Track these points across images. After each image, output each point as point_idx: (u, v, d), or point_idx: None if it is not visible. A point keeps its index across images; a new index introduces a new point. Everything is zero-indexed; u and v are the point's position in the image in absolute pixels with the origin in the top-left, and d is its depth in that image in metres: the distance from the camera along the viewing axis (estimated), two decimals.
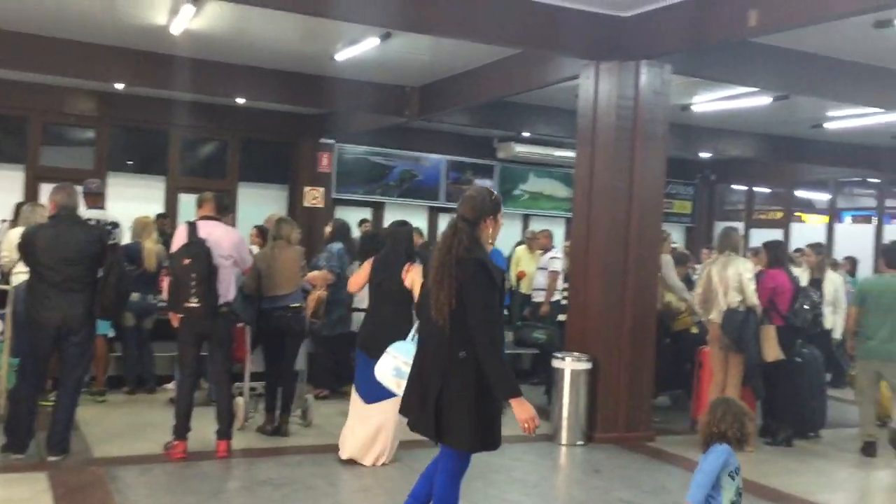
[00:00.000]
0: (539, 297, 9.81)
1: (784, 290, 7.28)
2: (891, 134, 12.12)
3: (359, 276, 6.11)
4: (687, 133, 12.55)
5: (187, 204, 11.36)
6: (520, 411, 3.74)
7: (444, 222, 13.90)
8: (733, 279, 6.96)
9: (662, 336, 7.94)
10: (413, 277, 5.69)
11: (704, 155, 15.22)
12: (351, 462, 5.93)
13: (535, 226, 14.32)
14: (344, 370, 8.38)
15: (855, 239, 14.31)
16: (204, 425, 6.14)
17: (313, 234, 12.15)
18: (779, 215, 16.48)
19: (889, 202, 15.28)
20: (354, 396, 6.05)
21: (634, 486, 5.85)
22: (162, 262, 7.66)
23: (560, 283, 9.38)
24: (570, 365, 6.98)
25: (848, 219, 18.42)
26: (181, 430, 5.89)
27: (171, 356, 7.70)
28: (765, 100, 9.85)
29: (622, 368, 7.10)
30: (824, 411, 7.79)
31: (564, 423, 6.93)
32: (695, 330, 8.16)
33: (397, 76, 10.18)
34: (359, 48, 8.61)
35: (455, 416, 3.76)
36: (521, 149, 14.40)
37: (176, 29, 8.13)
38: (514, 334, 9.52)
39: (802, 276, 8.50)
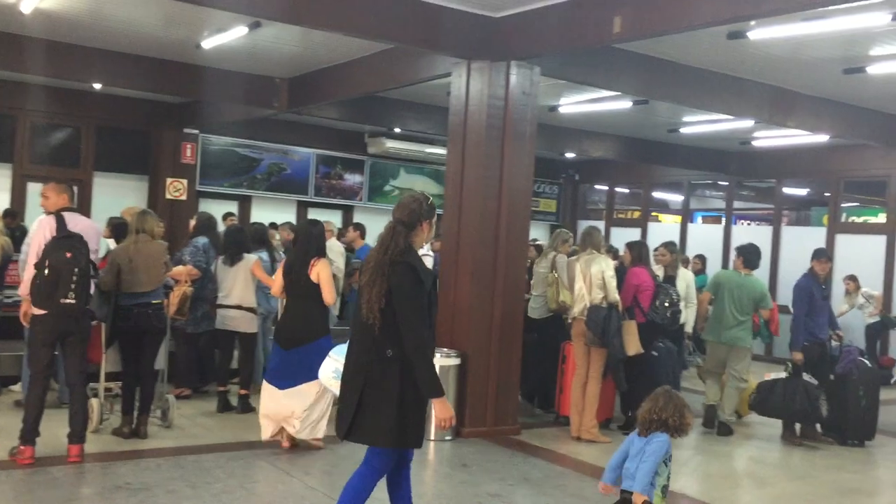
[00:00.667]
0: None
1: (646, 288, 7.62)
2: (739, 140, 12.88)
3: (277, 278, 6.40)
4: (553, 133, 12.90)
5: (36, 193, 10.69)
6: (440, 410, 3.92)
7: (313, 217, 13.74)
8: (596, 277, 7.20)
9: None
10: (318, 271, 6.10)
11: (569, 155, 15.70)
12: (271, 443, 6.32)
13: None
14: (208, 368, 8.13)
15: (705, 238, 15.13)
16: (53, 428, 5.79)
17: (176, 228, 11.71)
18: (637, 215, 17.21)
19: (737, 203, 16.25)
20: (267, 387, 6.27)
21: (501, 479, 5.95)
22: (9, 255, 7.17)
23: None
24: (439, 361, 7.00)
25: (700, 219, 19.50)
26: (29, 434, 5.53)
27: (16, 356, 7.23)
28: (626, 104, 10.25)
29: (491, 363, 7.21)
30: None
31: (433, 419, 6.95)
32: None
33: (266, 67, 9.94)
34: (226, 36, 8.35)
35: (377, 413, 3.87)
36: (392, 144, 14.38)
37: (26, 7, 7.62)
38: None
39: (658, 274, 8.89)
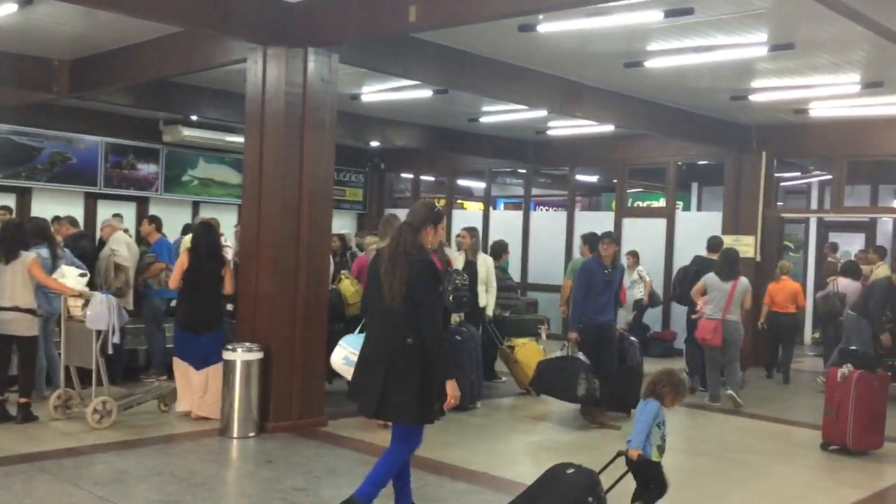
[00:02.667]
0: None
1: None
2: (535, 129, 13.45)
3: (177, 273, 7.44)
4: (357, 122, 12.86)
5: None
6: (452, 389, 4.51)
7: (104, 210, 12.90)
8: None
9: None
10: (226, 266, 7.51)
11: (374, 144, 15.73)
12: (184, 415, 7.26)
13: (206, 213, 13.79)
14: None
15: (507, 224, 15.68)
16: None
17: None
18: (442, 203, 17.54)
19: (535, 190, 16.97)
20: (181, 364, 7.35)
21: (306, 472, 5.87)
22: None
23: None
24: (241, 356, 6.81)
25: (502, 205, 20.21)
26: None
27: None
28: (426, 93, 10.39)
29: (296, 356, 7.09)
30: (481, 383, 8.46)
31: (236, 416, 6.77)
32: None
33: (43, 48, 9.17)
34: None
35: (401, 394, 4.43)
36: (189, 133, 13.74)
37: None
38: None
39: (459, 258, 9.09)
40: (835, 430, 7.07)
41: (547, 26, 7.35)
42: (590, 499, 4.29)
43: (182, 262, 7.47)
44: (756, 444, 7.52)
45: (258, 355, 6.87)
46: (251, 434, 6.77)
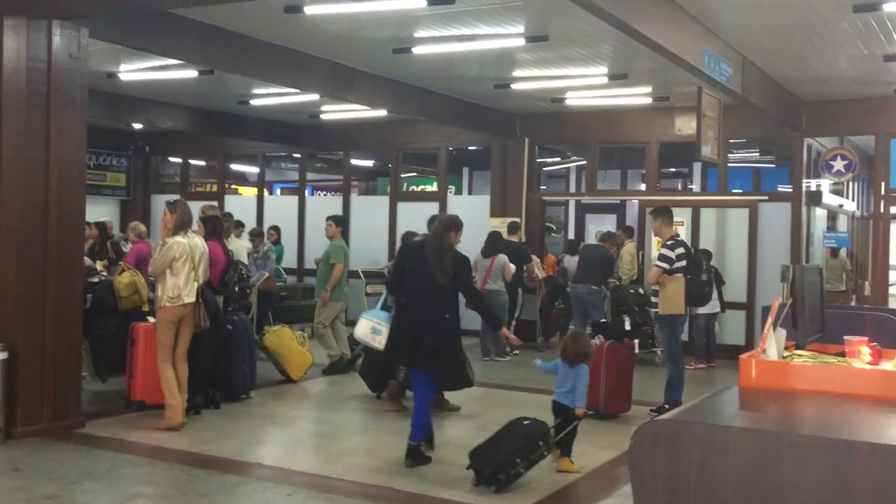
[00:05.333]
0: None
1: (218, 262, 7.50)
2: (308, 113, 13.30)
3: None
4: (116, 102, 12.08)
5: None
6: (507, 333, 6.78)
7: None
8: None
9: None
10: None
11: (137, 126, 14.85)
12: None
13: None
14: None
15: (283, 209, 15.41)
16: None
17: None
18: (214, 188, 16.94)
19: (310, 175, 16.83)
20: None
21: (60, 478, 5.45)
22: None
23: None
24: None
25: (279, 190, 19.88)
26: None
27: None
28: (192, 73, 9.95)
29: (47, 354, 6.55)
30: (254, 373, 8.28)
31: None
32: (146, 308, 7.86)
33: None
34: None
35: (443, 360, 5.92)
36: None
37: None
38: None
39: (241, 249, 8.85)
40: (588, 397, 7.61)
41: (314, 9, 7.30)
42: (541, 443, 5.56)
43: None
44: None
45: (2, 355, 6.27)
46: None
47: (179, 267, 6.77)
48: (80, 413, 6.86)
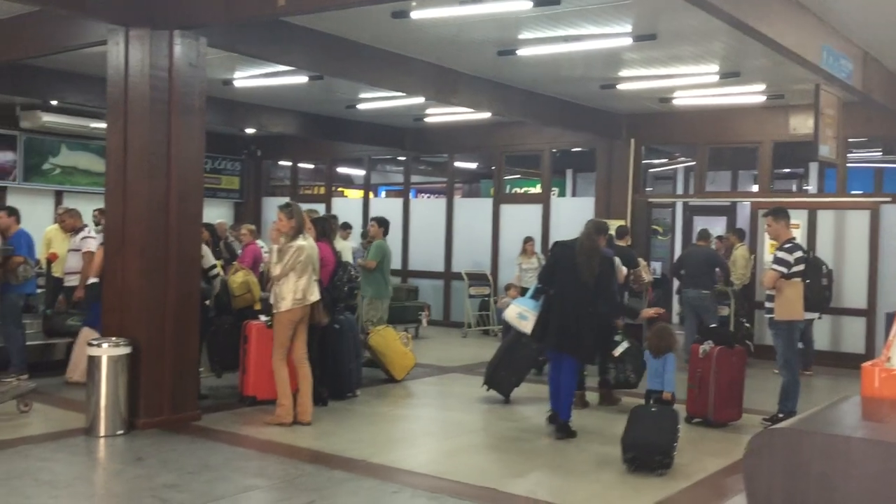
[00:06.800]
0: (72, 281, 9.03)
1: (327, 263, 7.69)
2: (413, 116, 13.47)
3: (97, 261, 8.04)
4: (230, 108, 12.55)
5: None
6: (645, 314, 7.90)
7: None
8: None
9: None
10: None
11: (250, 131, 15.37)
12: None
13: (70, 203, 13.13)
14: None
15: (388, 211, 15.59)
16: None
17: None
18: (322, 190, 17.36)
19: (415, 178, 17.01)
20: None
21: (178, 468, 5.70)
22: None
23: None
24: (107, 352, 6.53)
25: (384, 193, 20.18)
26: None
27: None
28: (302, 79, 10.23)
29: (166, 349, 6.86)
30: (360, 372, 8.43)
31: (102, 414, 6.49)
32: (258, 307, 8.15)
33: None
34: None
35: (587, 342, 6.82)
36: (49, 118, 13.07)
37: None
38: (42, 323, 8.62)
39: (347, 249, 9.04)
40: (697, 404, 7.43)
41: (420, 13, 7.37)
42: (678, 426, 6.04)
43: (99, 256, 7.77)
44: None
45: (125, 350, 6.61)
46: (119, 432, 6.51)
47: (303, 268, 6.95)
48: (197, 406, 7.15)
